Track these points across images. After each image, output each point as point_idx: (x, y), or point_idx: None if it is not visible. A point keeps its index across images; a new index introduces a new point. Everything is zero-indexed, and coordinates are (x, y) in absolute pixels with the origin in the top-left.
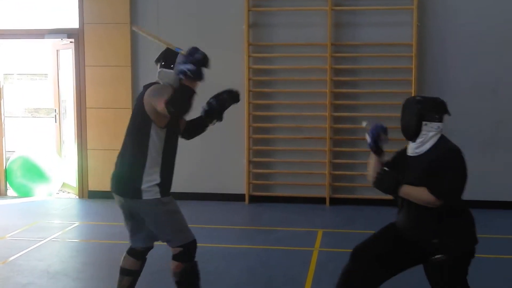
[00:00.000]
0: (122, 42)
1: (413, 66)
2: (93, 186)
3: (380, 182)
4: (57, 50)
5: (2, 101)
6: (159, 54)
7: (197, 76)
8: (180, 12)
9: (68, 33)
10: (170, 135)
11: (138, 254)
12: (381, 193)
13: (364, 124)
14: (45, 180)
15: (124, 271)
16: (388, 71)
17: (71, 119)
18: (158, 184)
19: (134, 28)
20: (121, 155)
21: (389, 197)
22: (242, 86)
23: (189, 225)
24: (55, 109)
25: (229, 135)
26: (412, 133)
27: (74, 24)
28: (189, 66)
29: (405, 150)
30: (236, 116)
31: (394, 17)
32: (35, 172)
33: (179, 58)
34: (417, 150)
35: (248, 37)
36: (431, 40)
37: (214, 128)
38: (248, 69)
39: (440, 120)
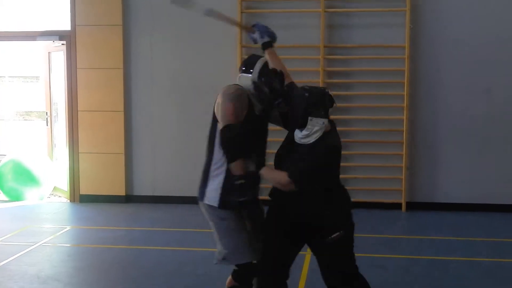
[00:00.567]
0: (115, 44)
1: (406, 68)
2: (84, 190)
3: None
4: (49, 52)
5: None
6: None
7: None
8: (173, 14)
9: (60, 35)
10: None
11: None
12: (376, 196)
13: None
14: (36, 184)
15: None
16: (381, 73)
17: (63, 122)
18: (220, 193)
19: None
20: None
21: (382, 200)
22: None
23: (244, 245)
24: (47, 112)
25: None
26: (298, 126)
27: (66, 26)
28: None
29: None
30: None
31: (387, 19)
32: (26, 176)
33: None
34: (303, 140)
35: (241, 39)
36: (423, 42)
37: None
38: None
39: (325, 116)
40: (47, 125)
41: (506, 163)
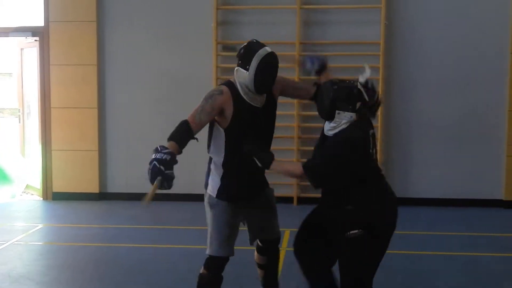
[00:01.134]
0: (89, 40)
1: (381, 64)
2: (57, 187)
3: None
4: (21, 49)
5: None
6: (241, 47)
7: None
8: (148, 11)
9: (33, 31)
10: (234, 139)
11: (259, 249)
12: None
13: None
14: (8, 182)
15: (256, 264)
16: (356, 69)
17: (36, 119)
18: (217, 186)
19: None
20: None
21: None
22: (210, 85)
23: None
24: (19, 109)
25: (197, 135)
26: (326, 117)
27: (39, 22)
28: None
29: None
30: None
31: (362, 16)
32: None
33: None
34: (330, 132)
35: (217, 35)
36: (398, 38)
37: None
38: (216, 67)
39: (353, 110)
40: (19, 122)
41: (479, 159)
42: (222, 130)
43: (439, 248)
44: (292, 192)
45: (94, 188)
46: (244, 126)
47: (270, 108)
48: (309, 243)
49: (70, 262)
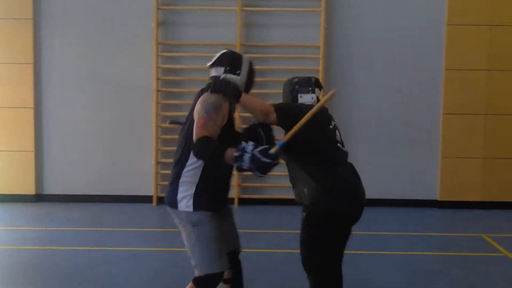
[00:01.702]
0: (24, 38)
1: (321, 67)
2: None
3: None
4: None
5: None
6: (215, 57)
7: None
8: (86, 9)
9: None
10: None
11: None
12: (290, 192)
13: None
14: None
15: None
16: (297, 72)
17: None
18: (192, 195)
19: None
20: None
21: (292, 196)
22: (150, 85)
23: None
24: None
25: (136, 136)
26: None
27: None
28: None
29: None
30: (144, 116)
31: (302, 19)
32: None
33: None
34: None
35: (157, 36)
36: (337, 42)
37: (121, 129)
38: (156, 68)
39: (312, 91)
40: None
41: (415, 160)
42: None
43: (374, 247)
44: (233, 193)
45: (30, 189)
46: (227, 128)
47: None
48: None
49: (5, 266)
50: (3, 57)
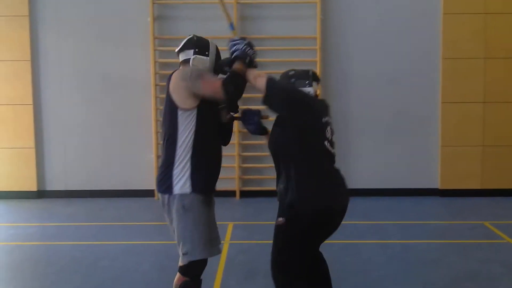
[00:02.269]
0: (21, 35)
1: (318, 59)
2: None
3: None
4: None
5: None
6: (182, 43)
7: (255, 63)
8: (82, 5)
9: None
10: (204, 125)
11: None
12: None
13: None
14: None
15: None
16: (294, 64)
17: None
18: (189, 176)
19: None
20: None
21: None
22: (148, 80)
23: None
24: None
25: (136, 131)
26: None
27: None
28: (252, 52)
29: None
30: (143, 110)
31: (298, 11)
32: None
33: (236, 44)
34: None
35: (154, 30)
36: (334, 33)
37: (121, 124)
38: (154, 62)
39: (310, 85)
40: None
41: (415, 149)
42: (193, 109)
43: (375, 237)
44: (234, 186)
45: (31, 186)
46: (207, 103)
47: None
48: None
49: (7, 261)
50: (0, 55)
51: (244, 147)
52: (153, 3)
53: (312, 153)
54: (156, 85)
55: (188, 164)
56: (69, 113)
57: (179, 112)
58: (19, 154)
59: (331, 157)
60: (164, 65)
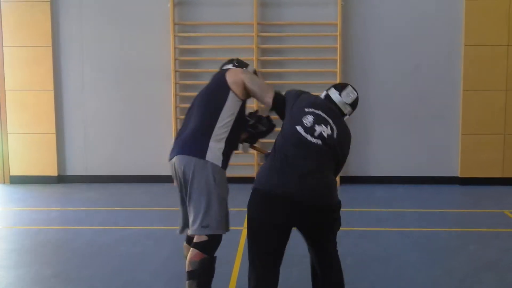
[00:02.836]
0: (42, 21)
1: (338, 45)
2: (14, 171)
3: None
4: None
5: None
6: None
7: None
8: None
9: None
10: (242, 118)
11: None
12: None
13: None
14: None
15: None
16: (314, 50)
17: None
18: (222, 152)
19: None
20: (185, 126)
21: None
22: (168, 66)
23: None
24: None
25: (156, 117)
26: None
27: None
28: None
29: None
30: (163, 97)
31: None
32: None
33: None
34: None
35: (174, 16)
36: (355, 19)
37: (141, 110)
38: (174, 49)
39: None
40: None
41: (435, 137)
42: (241, 100)
43: (395, 224)
44: (253, 172)
45: (52, 171)
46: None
47: None
48: None
49: (29, 245)
50: (22, 41)
51: None
52: None
53: (281, 134)
54: (175, 71)
55: (223, 142)
56: (90, 98)
57: (231, 94)
58: (40, 139)
59: (301, 144)
60: (184, 51)
